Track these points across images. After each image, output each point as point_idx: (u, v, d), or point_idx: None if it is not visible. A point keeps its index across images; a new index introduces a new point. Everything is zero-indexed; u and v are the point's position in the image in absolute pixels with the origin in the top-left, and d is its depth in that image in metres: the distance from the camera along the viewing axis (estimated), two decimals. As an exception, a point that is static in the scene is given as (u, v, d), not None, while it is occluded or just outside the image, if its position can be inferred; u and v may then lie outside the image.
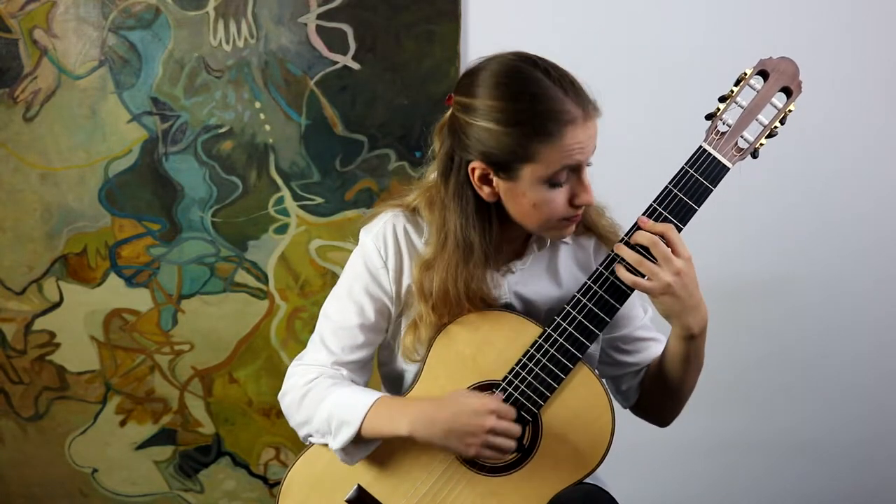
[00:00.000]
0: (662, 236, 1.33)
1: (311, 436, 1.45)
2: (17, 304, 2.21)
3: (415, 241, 1.46)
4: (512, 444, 1.36)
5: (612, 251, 1.37)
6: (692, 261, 1.34)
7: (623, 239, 1.36)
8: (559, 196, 1.34)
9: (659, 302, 1.35)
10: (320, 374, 1.45)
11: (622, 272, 1.35)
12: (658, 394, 1.51)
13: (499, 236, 1.43)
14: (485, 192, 1.37)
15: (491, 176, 1.36)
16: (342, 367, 1.47)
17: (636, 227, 1.36)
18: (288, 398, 1.47)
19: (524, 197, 1.35)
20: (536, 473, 1.40)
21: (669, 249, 1.33)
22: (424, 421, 1.35)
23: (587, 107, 1.31)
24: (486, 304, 1.44)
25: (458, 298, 1.41)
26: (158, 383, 2.25)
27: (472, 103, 1.33)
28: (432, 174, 1.44)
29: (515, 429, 1.36)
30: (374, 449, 1.42)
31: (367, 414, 1.37)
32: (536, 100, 1.29)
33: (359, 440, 1.39)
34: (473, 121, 1.33)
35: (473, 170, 1.36)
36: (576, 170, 1.33)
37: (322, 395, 1.42)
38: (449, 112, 1.40)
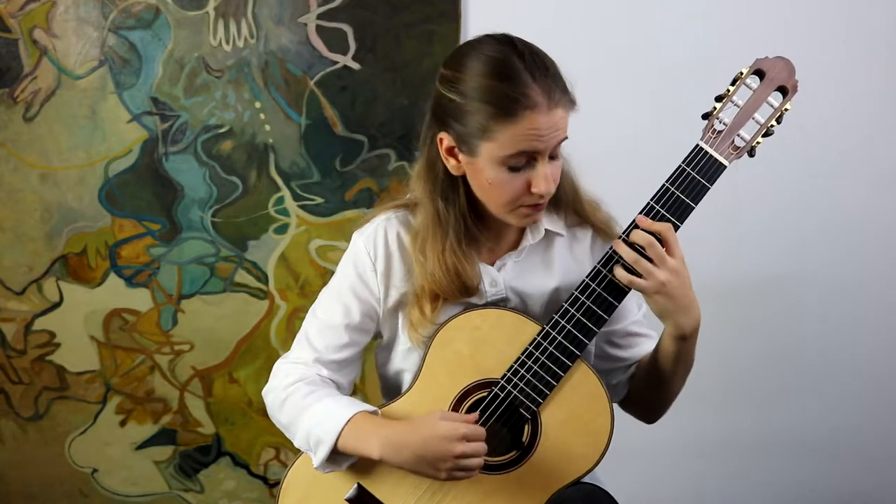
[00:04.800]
0: (659, 235, 1.34)
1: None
2: (17, 304, 2.21)
3: (407, 245, 1.46)
4: (479, 461, 1.34)
5: (611, 249, 1.37)
6: (685, 261, 1.35)
7: (621, 237, 1.36)
8: (517, 180, 1.35)
9: (653, 301, 1.36)
10: (300, 377, 1.45)
11: (619, 271, 1.36)
12: (647, 391, 1.52)
13: (478, 220, 1.44)
14: (451, 164, 1.40)
15: (455, 149, 1.38)
16: (323, 365, 1.48)
17: (634, 225, 1.36)
18: (270, 397, 1.49)
19: (482, 174, 1.36)
20: (536, 471, 1.40)
21: (665, 249, 1.33)
22: (394, 446, 1.35)
23: (554, 95, 1.31)
24: (474, 294, 1.44)
25: (447, 277, 1.41)
26: (158, 383, 2.25)
27: (447, 75, 1.37)
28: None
29: (483, 448, 1.34)
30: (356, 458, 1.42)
31: (340, 433, 1.37)
32: (502, 80, 1.31)
33: (338, 452, 1.39)
34: (445, 92, 1.36)
35: (441, 140, 1.38)
36: (534, 156, 1.33)
37: (300, 407, 1.42)
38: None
